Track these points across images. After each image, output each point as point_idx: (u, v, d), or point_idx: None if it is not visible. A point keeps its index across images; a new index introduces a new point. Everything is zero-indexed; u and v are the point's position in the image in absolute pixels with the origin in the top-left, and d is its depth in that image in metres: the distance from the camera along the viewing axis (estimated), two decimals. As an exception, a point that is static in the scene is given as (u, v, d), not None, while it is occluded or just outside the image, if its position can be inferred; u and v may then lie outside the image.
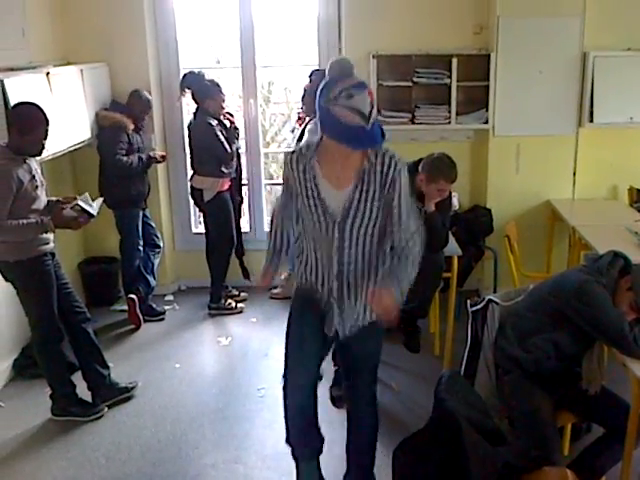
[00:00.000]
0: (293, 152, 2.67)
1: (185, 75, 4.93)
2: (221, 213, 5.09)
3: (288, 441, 3.03)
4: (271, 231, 2.91)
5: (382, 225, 2.62)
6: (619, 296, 2.84)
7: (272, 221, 2.91)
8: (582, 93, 5.02)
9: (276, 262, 2.91)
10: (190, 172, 5.18)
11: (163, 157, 5.13)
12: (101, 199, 3.91)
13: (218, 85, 4.93)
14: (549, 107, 5.05)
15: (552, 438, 2.87)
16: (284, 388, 2.92)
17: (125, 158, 4.76)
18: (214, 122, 4.90)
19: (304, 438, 3.01)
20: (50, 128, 3.50)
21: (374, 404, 3.00)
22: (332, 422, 3.54)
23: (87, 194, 3.77)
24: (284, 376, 2.93)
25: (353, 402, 3.05)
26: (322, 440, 3.04)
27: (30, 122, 3.42)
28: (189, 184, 5.19)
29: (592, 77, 4.95)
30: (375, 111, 2.40)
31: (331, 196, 2.57)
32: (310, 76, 4.97)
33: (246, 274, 5.52)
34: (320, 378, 3.84)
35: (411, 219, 2.62)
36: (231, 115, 5.14)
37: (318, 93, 2.43)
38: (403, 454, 2.87)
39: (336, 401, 3.89)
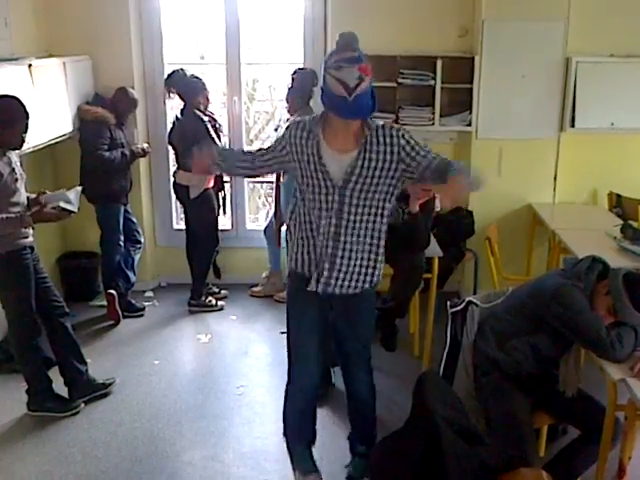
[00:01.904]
0: (298, 122, 2.78)
1: (169, 75, 4.91)
2: (206, 210, 5.08)
3: (285, 434, 3.16)
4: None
5: (383, 197, 2.72)
6: (597, 300, 2.86)
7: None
8: (564, 98, 5.06)
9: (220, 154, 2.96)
10: (173, 168, 5.16)
11: (145, 151, 5.09)
12: (79, 188, 3.81)
13: (202, 81, 4.95)
14: (531, 111, 5.09)
15: (528, 439, 2.89)
16: (286, 388, 3.05)
17: (107, 153, 4.73)
18: (205, 118, 4.90)
19: (299, 435, 3.15)
20: (30, 121, 3.47)
21: (370, 372, 3.12)
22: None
23: (63, 190, 3.71)
24: (288, 373, 3.04)
25: (348, 372, 3.12)
26: (315, 435, 3.18)
27: (10, 116, 3.39)
28: (172, 180, 5.17)
29: (574, 82, 4.99)
30: (365, 85, 2.51)
31: (333, 161, 2.67)
32: (293, 75, 4.97)
33: (218, 273, 5.50)
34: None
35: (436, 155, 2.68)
36: (212, 113, 5.13)
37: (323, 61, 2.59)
38: (381, 453, 2.89)
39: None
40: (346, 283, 2.80)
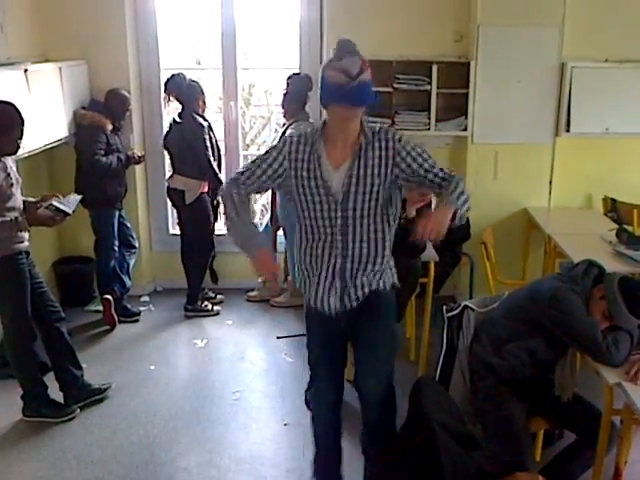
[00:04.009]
0: (298, 136, 2.68)
1: (168, 80, 4.92)
2: (202, 215, 5.07)
3: (315, 461, 3.05)
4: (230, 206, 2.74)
5: (385, 202, 2.64)
6: (593, 304, 2.87)
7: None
8: (559, 103, 5.07)
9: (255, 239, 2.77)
10: (169, 172, 5.16)
11: (141, 157, 5.10)
12: (79, 196, 3.85)
13: (200, 85, 4.98)
14: (527, 116, 5.11)
15: (524, 444, 2.89)
16: (311, 400, 2.99)
17: (104, 159, 4.73)
18: (205, 123, 4.92)
19: (329, 454, 3.02)
20: (26, 127, 3.47)
21: (392, 405, 2.86)
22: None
23: (59, 196, 3.71)
24: (313, 391, 2.96)
25: (363, 402, 2.89)
26: (340, 459, 3.05)
27: (5, 122, 3.38)
28: (167, 184, 5.17)
29: (569, 87, 5.01)
30: (366, 76, 2.47)
31: (332, 176, 2.60)
32: (288, 80, 4.98)
33: (214, 278, 5.49)
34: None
35: (442, 169, 2.63)
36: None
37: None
38: (378, 459, 2.88)
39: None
40: (359, 293, 2.71)
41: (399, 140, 2.60)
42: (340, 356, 2.90)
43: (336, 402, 2.94)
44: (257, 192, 2.83)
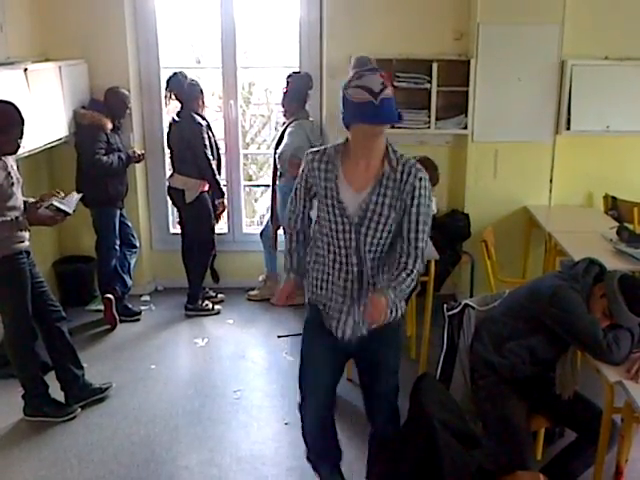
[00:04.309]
0: (315, 152, 2.65)
1: (170, 78, 4.92)
2: (203, 214, 5.07)
3: (308, 458, 3.04)
4: (287, 236, 2.83)
5: (396, 233, 2.60)
6: (593, 303, 2.87)
7: (288, 227, 2.83)
8: (560, 101, 5.07)
9: (295, 268, 2.79)
10: (169, 172, 5.16)
11: (141, 156, 5.10)
12: (79, 195, 3.85)
13: (199, 85, 4.98)
14: (527, 114, 5.10)
15: (525, 442, 2.89)
16: (300, 409, 2.92)
17: (105, 158, 4.73)
18: (203, 122, 4.91)
19: (323, 455, 3.02)
20: (25, 127, 3.46)
21: (396, 421, 2.90)
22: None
23: (60, 192, 3.72)
24: (301, 401, 2.92)
25: (371, 418, 2.94)
26: (340, 453, 3.04)
27: (5, 122, 3.38)
28: (167, 183, 5.17)
29: (570, 85, 5.01)
30: (389, 92, 2.42)
31: (350, 198, 2.56)
32: (288, 78, 4.97)
33: (215, 277, 5.49)
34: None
35: (422, 235, 2.58)
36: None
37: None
38: (378, 457, 2.89)
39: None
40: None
41: (420, 179, 2.53)
42: (328, 370, 2.85)
43: (321, 412, 2.90)
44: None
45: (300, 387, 2.90)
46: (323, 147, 2.68)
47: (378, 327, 2.55)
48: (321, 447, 2.99)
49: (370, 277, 2.63)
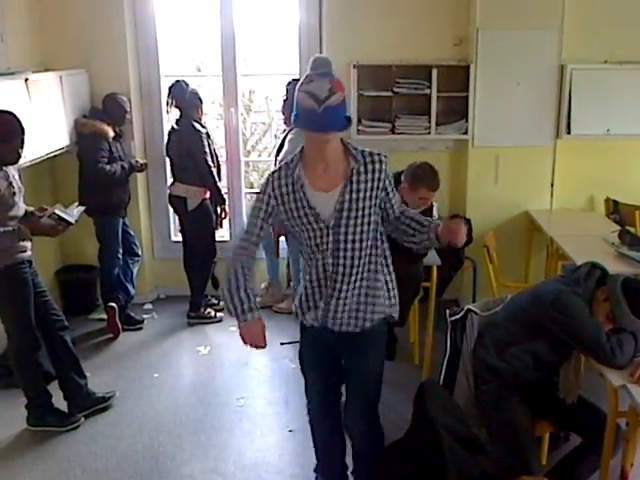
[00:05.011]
0: (276, 170, 2.62)
1: (172, 85, 4.93)
2: (204, 221, 5.08)
3: (315, 471, 3.11)
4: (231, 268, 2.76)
5: (375, 224, 2.62)
6: (596, 307, 2.86)
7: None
8: (560, 105, 5.07)
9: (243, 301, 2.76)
10: (170, 180, 5.17)
11: (144, 165, 5.11)
12: (82, 207, 3.87)
13: (199, 94, 5.01)
14: (527, 118, 5.11)
15: (529, 447, 2.88)
16: (311, 423, 3.00)
17: (108, 167, 4.74)
18: (202, 130, 4.92)
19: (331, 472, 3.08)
20: (27, 137, 3.47)
21: (370, 423, 2.89)
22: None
23: (59, 205, 3.74)
24: (308, 413, 3.00)
25: (350, 427, 2.97)
26: (347, 469, 3.09)
27: (6, 131, 3.39)
28: (168, 191, 5.18)
29: (569, 89, 5.01)
30: (336, 98, 2.38)
31: (320, 201, 2.55)
32: (287, 86, 4.99)
33: (216, 283, 5.49)
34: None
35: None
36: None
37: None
38: (382, 463, 2.88)
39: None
40: (345, 321, 2.67)
41: (381, 162, 2.56)
42: (336, 387, 2.91)
43: (331, 427, 2.99)
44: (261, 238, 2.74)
45: (308, 406, 2.99)
46: (282, 162, 2.66)
47: (354, 329, 2.65)
48: (331, 464, 3.06)
49: (343, 281, 2.61)
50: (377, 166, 2.54)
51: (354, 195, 2.53)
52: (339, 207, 2.53)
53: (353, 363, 2.81)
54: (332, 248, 2.58)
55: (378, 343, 2.79)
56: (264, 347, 2.83)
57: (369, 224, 2.58)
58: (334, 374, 2.88)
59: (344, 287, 2.62)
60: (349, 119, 2.46)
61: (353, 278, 2.62)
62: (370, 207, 2.56)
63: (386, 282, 2.70)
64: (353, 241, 2.57)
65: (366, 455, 2.94)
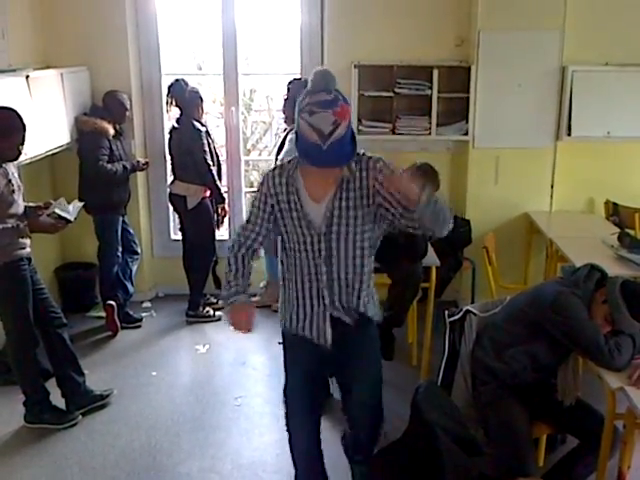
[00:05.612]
0: (274, 169, 2.59)
1: (172, 84, 4.93)
2: (204, 220, 5.08)
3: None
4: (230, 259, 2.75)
5: (369, 231, 2.54)
6: (595, 308, 2.86)
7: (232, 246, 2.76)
8: (560, 107, 5.08)
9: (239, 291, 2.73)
10: (170, 178, 5.16)
11: (146, 164, 5.11)
12: (81, 203, 3.87)
13: (199, 92, 5.00)
14: (528, 120, 5.11)
15: (527, 449, 2.88)
16: (288, 430, 2.88)
17: (109, 166, 4.73)
18: (202, 128, 4.92)
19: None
20: (27, 133, 3.47)
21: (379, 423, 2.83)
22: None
23: (63, 199, 3.74)
24: (286, 424, 2.88)
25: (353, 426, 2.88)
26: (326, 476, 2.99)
27: (6, 127, 3.39)
28: (168, 190, 5.18)
29: (570, 91, 5.01)
30: (341, 130, 2.29)
31: (313, 209, 2.52)
32: (288, 85, 4.98)
33: (217, 283, 5.49)
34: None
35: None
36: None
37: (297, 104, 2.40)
38: (380, 464, 2.88)
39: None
40: (348, 319, 2.62)
41: (377, 161, 2.47)
42: (319, 396, 2.87)
43: (308, 439, 2.87)
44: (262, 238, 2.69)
45: (286, 415, 2.86)
46: (280, 163, 2.63)
47: (345, 317, 2.60)
48: (309, 470, 2.94)
49: (341, 287, 2.58)
50: (370, 173, 2.45)
51: (344, 203, 2.47)
52: (329, 214, 2.49)
53: (351, 362, 2.75)
54: (325, 256, 2.54)
55: (370, 335, 2.75)
56: (249, 331, 2.79)
57: (364, 233, 2.53)
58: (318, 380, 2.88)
59: (337, 286, 2.58)
60: (354, 145, 2.37)
61: (351, 282, 2.58)
62: (362, 215, 2.49)
63: (362, 283, 2.63)
64: (346, 249, 2.53)
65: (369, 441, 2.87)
